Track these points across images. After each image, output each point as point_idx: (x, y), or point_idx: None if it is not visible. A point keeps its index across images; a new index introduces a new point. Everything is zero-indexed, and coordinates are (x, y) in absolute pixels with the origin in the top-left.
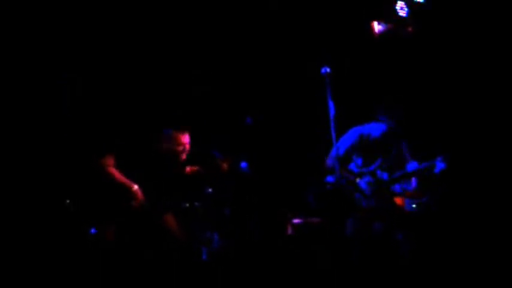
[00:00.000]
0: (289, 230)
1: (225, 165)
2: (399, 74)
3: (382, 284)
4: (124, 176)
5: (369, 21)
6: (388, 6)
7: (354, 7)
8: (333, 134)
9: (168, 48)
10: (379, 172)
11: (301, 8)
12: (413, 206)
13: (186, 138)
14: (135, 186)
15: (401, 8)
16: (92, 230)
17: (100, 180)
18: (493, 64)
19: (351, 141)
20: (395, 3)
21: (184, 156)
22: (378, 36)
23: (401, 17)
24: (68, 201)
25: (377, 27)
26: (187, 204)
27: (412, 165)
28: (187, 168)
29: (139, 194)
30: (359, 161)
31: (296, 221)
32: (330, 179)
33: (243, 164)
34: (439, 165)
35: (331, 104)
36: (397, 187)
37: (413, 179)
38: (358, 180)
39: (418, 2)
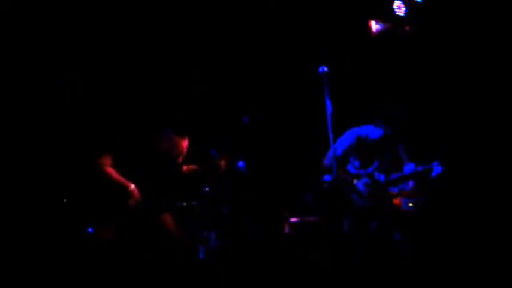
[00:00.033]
0: (287, 229)
1: (222, 164)
2: (397, 73)
3: (381, 283)
4: (121, 176)
5: (367, 21)
6: (386, 5)
7: (352, 6)
8: (330, 133)
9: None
10: (376, 174)
11: (299, 7)
12: (410, 205)
13: (185, 143)
14: (132, 186)
15: (399, 8)
16: (89, 229)
17: (97, 180)
18: (491, 63)
19: (348, 142)
20: (393, 2)
21: (181, 160)
22: (376, 35)
23: (399, 16)
24: (64, 200)
25: (375, 26)
26: (185, 203)
27: (409, 168)
28: (185, 167)
29: (136, 193)
30: (356, 163)
31: (293, 219)
32: (327, 178)
33: (240, 163)
34: (436, 169)
35: (328, 103)
36: (394, 187)
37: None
38: (355, 181)
39: (416, 1)
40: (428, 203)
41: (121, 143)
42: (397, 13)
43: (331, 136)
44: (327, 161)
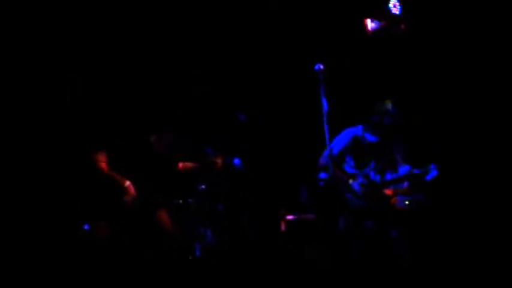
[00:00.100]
0: (283, 227)
1: (218, 162)
2: (392, 72)
3: (377, 281)
4: (116, 172)
5: (362, 19)
6: (381, 3)
7: (347, 5)
8: (326, 131)
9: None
10: (372, 174)
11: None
12: (406, 202)
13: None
14: (127, 182)
15: (395, 6)
16: (85, 226)
17: (92, 176)
18: (487, 62)
19: (344, 142)
20: (389, 0)
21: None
22: (371, 33)
23: (394, 14)
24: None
25: (370, 24)
26: (181, 201)
27: (404, 169)
28: (180, 165)
29: (132, 189)
30: (352, 163)
31: (290, 217)
32: (323, 175)
33: (236, 161)
34: (432, 173)
35: (324, 100)
36: (389, 186)
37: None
38: (351, 181)
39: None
40: (424, 201)
41: (121, 142)
42: (393, 11)
43: (327, 135)
44: (323, 160)
